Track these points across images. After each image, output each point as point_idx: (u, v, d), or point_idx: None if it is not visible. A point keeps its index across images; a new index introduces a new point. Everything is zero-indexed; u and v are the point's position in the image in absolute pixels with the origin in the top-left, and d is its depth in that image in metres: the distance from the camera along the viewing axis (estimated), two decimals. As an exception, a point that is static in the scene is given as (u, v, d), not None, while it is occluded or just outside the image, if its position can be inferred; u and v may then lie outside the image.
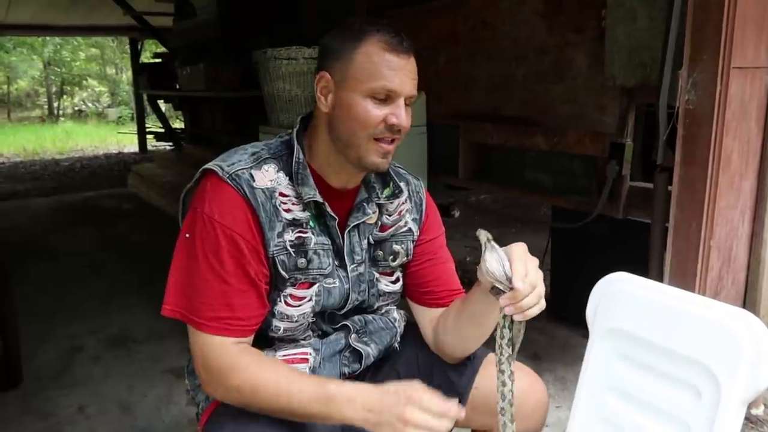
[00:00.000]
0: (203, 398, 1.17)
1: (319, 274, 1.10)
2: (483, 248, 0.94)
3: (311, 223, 1.08)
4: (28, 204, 6.09)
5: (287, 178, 1.06)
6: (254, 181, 1.03)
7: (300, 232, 1.07)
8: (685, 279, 1.77)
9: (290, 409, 0.97)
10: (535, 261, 0.95)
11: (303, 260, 1.07)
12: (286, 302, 1.08)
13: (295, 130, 1.11)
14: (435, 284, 1.22)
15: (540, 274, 0.94)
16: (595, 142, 2.24)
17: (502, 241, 0.96)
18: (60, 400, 2.25)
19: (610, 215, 2.24)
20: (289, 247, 1.05)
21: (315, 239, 1.08)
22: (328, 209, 1.08)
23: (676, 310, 0.94)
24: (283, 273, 1.06)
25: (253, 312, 1.04)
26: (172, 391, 2.28)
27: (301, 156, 1.07)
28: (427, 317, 1.23)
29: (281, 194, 1.05)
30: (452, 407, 0.92)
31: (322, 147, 1.08)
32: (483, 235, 0.95)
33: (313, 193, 1.06)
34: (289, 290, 1.08)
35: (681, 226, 1.78)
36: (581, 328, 2.77)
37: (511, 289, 0.90)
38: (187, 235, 1.03)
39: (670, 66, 1.81)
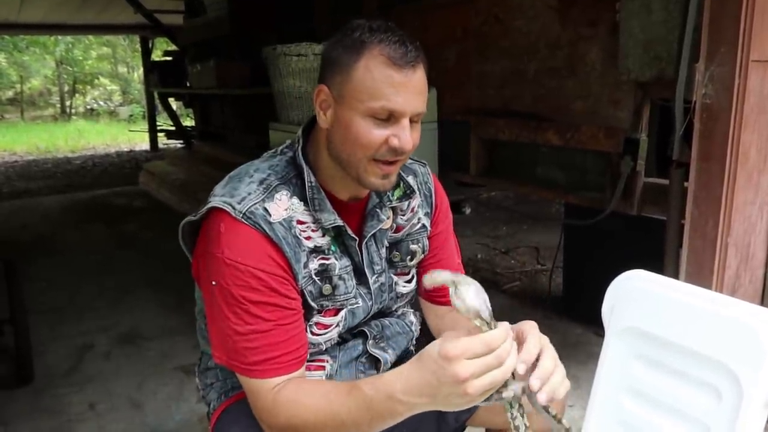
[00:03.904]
0: (214, 397, 1.16)
1: (345, 300, 1.07)
2: (452, 287, 0.80)
3: (332, 248, 1.04)
4: (40, 202, 6.14)
5: (301, 203, 1.01)
6: (270, 215, 0.96)
7: (323, 258, 1.03)
8: (702, 277, 1.74)
9: (346, 429, 0.90)
10: (546, 339, 0.87)
11: (328, 286, 1.04)
12: (311, 332, 1.05)
13: (299, 147, 1.04)
14: None
15: (554, 353, 0.86)
16: (609, 138, 2.21)
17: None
18: (71, 397, 2.26)
19: (624, 212, 2.21)
20: (314, 276, 1.02)
21: (339, 264, 1.04)
22: (349, 231, 1.04)
23: (695, 308, 0.91)
24: (311, 303, 1.02)
25: (302, 341, 1.00)
26: (183, 389, 2.28)
27: (313, 179, 1.01)
28: (432, 314, 1.22)
29: (299, 222, 1.00)
30: (497, 334, 0.78)
31: (326, 162, 1.02)
32: (442, 277, 0.82)
33: (333, 219, 1.01)
34: (316, 318, 1.05)
35: (697, 222, 1.74)
36: (594, 326, 2.74)
37: (486, 323, 0.78)
38: (214, 283, 0.96)
39: (687, 59, 1.77)
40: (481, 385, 0.77)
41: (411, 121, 0.96)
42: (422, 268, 1.20)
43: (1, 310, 2.35)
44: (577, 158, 2.46)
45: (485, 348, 0.77)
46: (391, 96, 0.92)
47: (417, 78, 0.94)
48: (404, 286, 1.18)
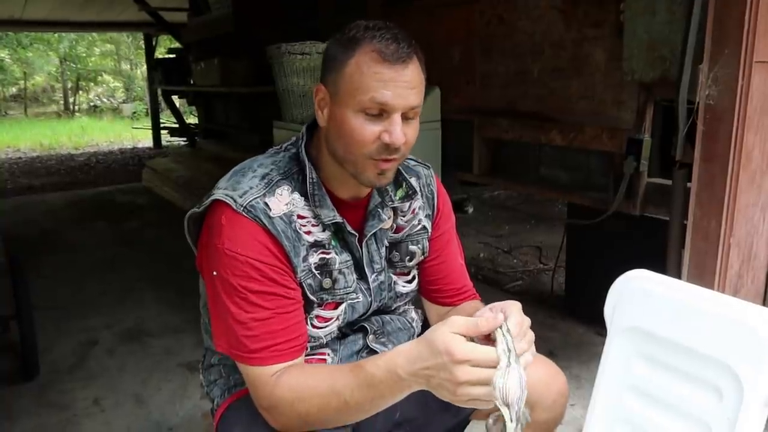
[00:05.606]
0: (218, 394, 1.17)
1: (345, 294, 1.08)
2: (504, 355, 0.81)
3: (333, 242, 1.05)
4: (44, 198, 6.15)
5: (302, 198, 1.02)
6: (270, 209, 0.98)
7: (323, 253, 1.04)
8: (704, 277, 1.75)
9: (348, 409, 0.91)
10: (528, 321, 0.88)
11: (328, 280, 1.05)
12: (312, 324, 1.06)
13: (302, 143, 1.06)
14: (443, 282, 1.21)
15: (532, 336, 0.87)
16: (612, 138, 2.21)
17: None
18: (76, 392, 2.27)
19: (626, 212, 2.21)
20: (313, 269, 1.03)
21: (339, 258, 1.06)
22: (349, 228, 1.05)
23: (697, 308, 0.92)
24: (311, 296, 1.04)
25: (301, 330, 1.01)
26: (187, 385, 2.30)
27: (314, 175, 1.03)
28: (434, 313, 1.23)
29: (299, 216, 1.01)
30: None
31: (327, 161, 1.04)
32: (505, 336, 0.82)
33: (333, 215, 1.03)
34: (316, 311, 1.06)
35: (700, 223, 1.75)
36: (596, 326, 2.74)
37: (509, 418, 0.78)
38: (215, 273, 0.98)
39: (690, 60, 1.78)
40: (470, 393, 0.80)
41: (407, 117, 0.96)
42: (424, 269, 1.21)
43: (7, 306, 2.36)
44: (581, 158, 2.47)
45: (490, 364, 0.80)
46: (380, 91, 0.92)
47: (408, 73, 0.94)
48: (404, 286, 1.19)
